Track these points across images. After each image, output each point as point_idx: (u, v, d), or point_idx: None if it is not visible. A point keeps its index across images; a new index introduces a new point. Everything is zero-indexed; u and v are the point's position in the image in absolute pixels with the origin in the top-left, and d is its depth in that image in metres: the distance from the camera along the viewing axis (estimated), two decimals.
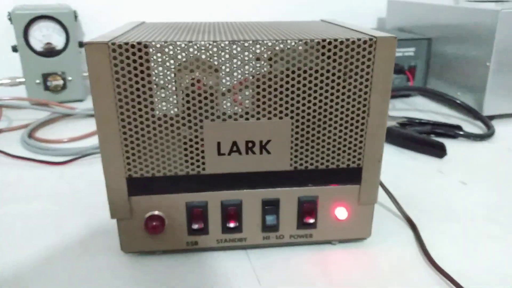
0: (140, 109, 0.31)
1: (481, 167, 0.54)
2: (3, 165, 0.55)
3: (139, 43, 0.30)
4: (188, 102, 0.32)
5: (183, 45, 0.30)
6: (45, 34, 0.74)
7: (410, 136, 0.61)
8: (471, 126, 0.69)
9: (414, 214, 0.43)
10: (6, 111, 0.75)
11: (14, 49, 0.75)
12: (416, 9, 0.87)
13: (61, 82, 0.76)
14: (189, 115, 0.32)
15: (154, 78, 0.31)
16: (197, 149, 0.33)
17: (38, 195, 0.47)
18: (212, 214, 0.35)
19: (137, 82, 0.31)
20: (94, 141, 0.62)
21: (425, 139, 0.60)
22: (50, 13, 0.74)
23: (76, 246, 0.38)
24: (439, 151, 0.58)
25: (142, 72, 0.30)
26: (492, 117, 0.71)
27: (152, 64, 0.30)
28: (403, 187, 0.49)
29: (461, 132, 0.64)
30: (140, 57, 0.30)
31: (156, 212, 0.35)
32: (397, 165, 0.55)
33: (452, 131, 0.64)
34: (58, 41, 0.76)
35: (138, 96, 0.31)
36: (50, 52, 0.75)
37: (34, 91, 0.76)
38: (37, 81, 0.76)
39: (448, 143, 0.60)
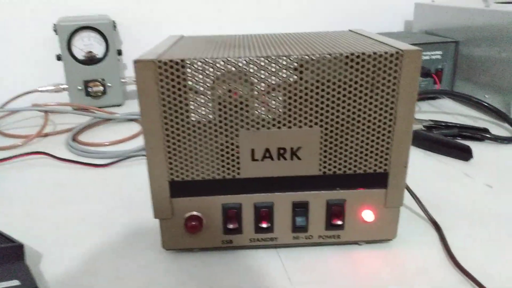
0: (182, 119, 0.34)
1: (508, 170, 0.55)
2: (50, 166, 0.59)
3: (182, 60, 0.33)
4: (224, 112, 0.35)
5: (222, 62, 0.33)
6: (86, 44, 0.79)
7: (436, 139, 0.62)
8: (499, 129, 0.69)
9: (440, 216, 0.44)
10: (51, 116, 0.80)
11: (59, 57, 0.80)
12: (444, 12, 0.87)
13: (101, 88, 0.81)
14: (225, 124, 0.35)
15: (194, 91, 0.34)
16: (232, 155, 0.36)
17: (84, 196, 0.51)
18: (245, 214, 0.38)
19: (180, 95, 0.34)
20: (134, 144, 0.66)
21: (450, 142, 0.61)
22: (91, 24, 0.79)
23: (121, 244, 0.41)
24: (464, 154, 0.59)
25: (184, 86, 0.34)
26: None
27: (193, 79, 0.33)
28: (429, 189, 0.50)
29: (488, 135, 0.65)
30: (183, 73, 0.33)
31: (195, 213, 0.38)
32: (423, 168, 0.56)
33: (479, 134, 0.65)
34: (98, 49, 0.80)
35: (181, 108, 0.34)
36: (91, 60, 0.80)
37: (76, 96, 0.81)
38: (79, 87, 0.81)
39: (475, 146, 0.61)
